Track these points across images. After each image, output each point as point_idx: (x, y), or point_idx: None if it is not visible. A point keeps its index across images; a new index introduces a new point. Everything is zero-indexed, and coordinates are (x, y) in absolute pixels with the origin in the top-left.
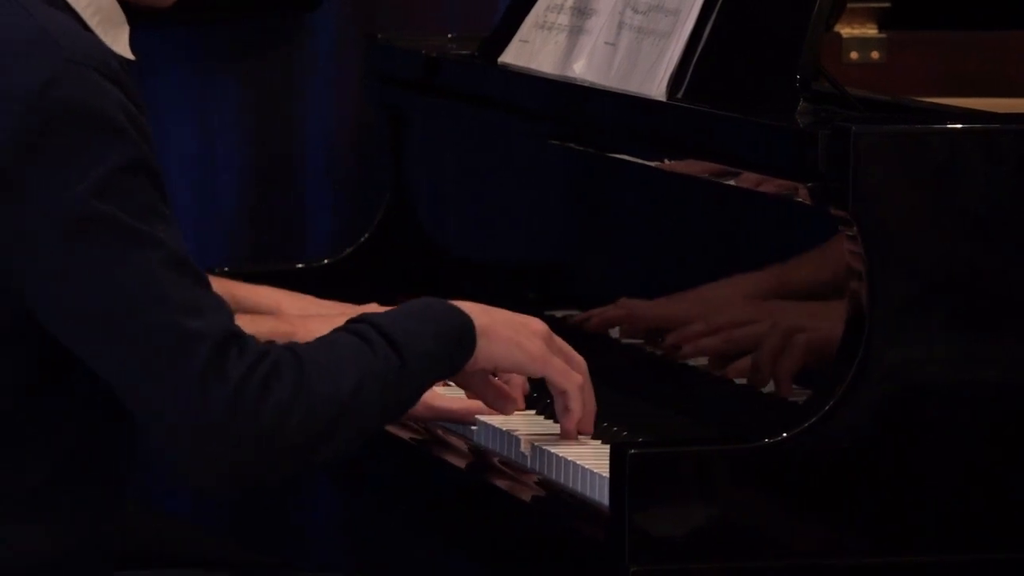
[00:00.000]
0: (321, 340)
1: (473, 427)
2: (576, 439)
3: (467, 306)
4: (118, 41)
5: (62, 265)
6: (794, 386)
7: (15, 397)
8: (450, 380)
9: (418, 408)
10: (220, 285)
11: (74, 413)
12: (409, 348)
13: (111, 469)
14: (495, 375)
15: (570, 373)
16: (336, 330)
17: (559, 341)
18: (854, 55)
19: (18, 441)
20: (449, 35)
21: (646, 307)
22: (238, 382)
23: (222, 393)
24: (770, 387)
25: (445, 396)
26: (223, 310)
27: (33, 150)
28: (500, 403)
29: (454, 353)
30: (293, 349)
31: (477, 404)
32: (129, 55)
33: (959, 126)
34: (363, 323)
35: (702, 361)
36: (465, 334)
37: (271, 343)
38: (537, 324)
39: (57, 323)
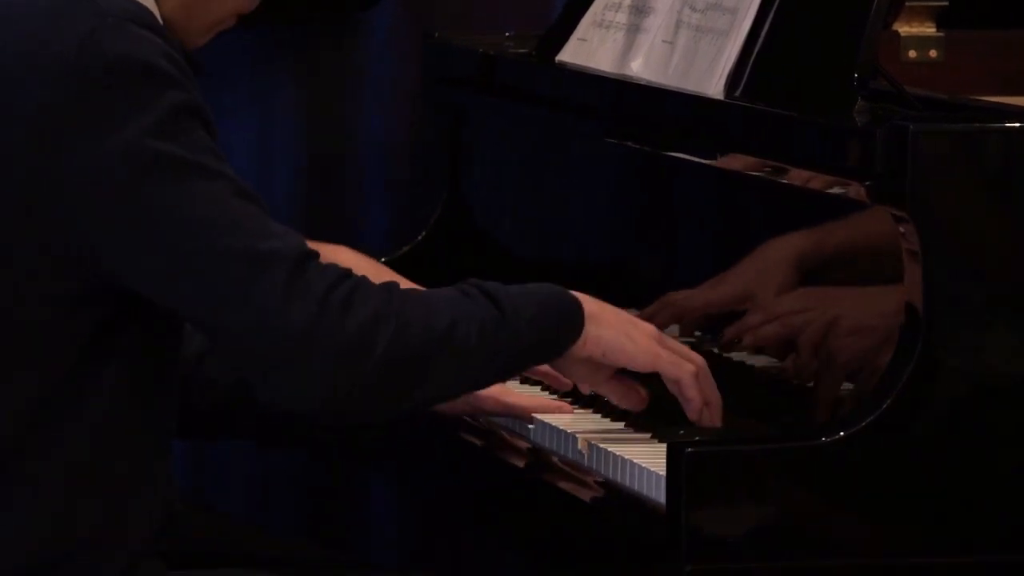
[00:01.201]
0: (416, 288)
1: (530, 425)
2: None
3: (580, 295)
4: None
5: (131, 207)
6: (850, 385)
7: (57, 371)
8: (561, 368)
9: (487, 402)
10: None
11: (118, 386)
12: (510, 308)
13: (154, 441)
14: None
15: (681, 362)
16: None
17: (671, 341)
18: (912, 54)
19: (62, 415)
20: (506, 34)
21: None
22: (320, 296)
23: (305, 305)
24: (825, 386)
25: (513, 392)
26: (294, 234)
27: (82, 106)
28: (628, 398)
29: (559, 328)
30: (387, 284)
31: (542, 401)
32: None
33: (1017, 125)
34: (466, 283)
35: (758, 359)
36: (572, 312)
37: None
38: (648, 326)
39: (133, 269)
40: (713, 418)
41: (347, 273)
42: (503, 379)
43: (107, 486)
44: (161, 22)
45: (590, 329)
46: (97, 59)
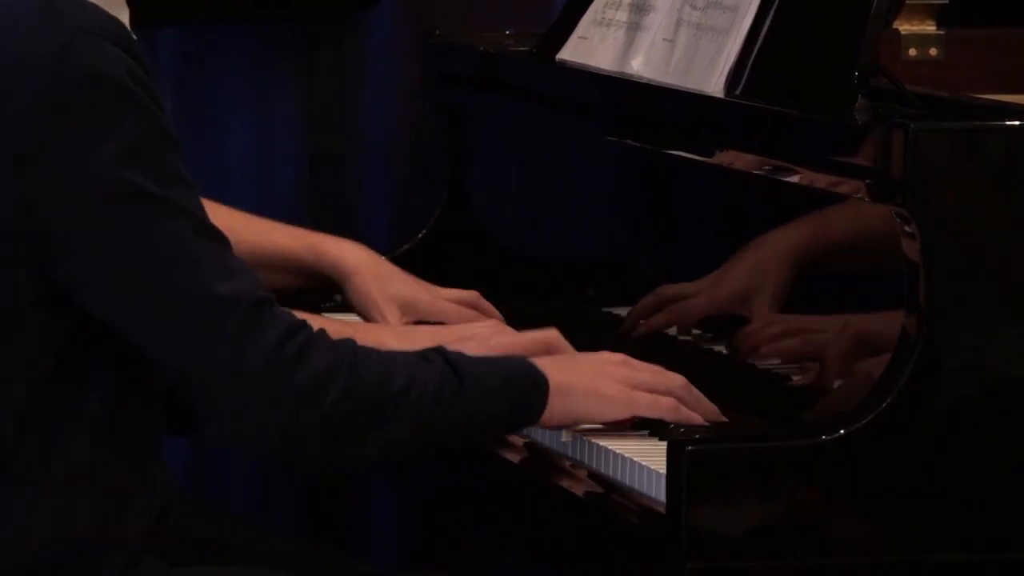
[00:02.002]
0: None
1: None
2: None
3: (546, 364)
4: (120, 17)
5: (91, 234)
6: (850, 382)
7: (44, 374)
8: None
9: None
10: None
11: (103, 388)
12: (471, 378)
13: (150, 438)
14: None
15: (657, 400)
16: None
17: (640, 370)
18: (913, 52)
19: (52, 416)
20: (506, 32)
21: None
22: (274, 343)
23: (258, 351)
24: (826, 383)
25: None
26: (251, 275)
27: (51, 122)
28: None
29: (521, 401)
30: (344, 340)
31: None
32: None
33: (1017, 123)
34: (429, 350)
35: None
36: (536, 390)
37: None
38: (613, 363)
39: (90, 293)
40: (714, 416)
41: (302, 324)
42: (473, 446)
43: (106, 485)
44: (128, 26)
45: (555, 403)
46: (69, 77)
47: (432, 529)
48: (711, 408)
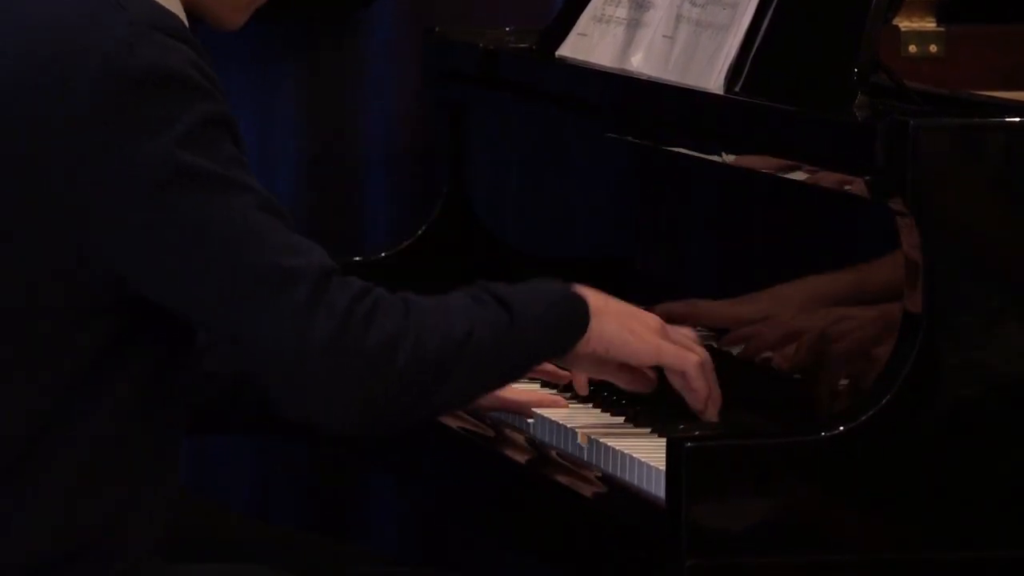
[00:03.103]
0: (429, 296)
1: (530, 420)
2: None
3: (582, 289)
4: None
5: (157, 219)
6: (847, 380)
7: (72, 373)
8: (565, 363)
9: (485, 399)
10: None
11: (130, 392)
12: (519, 310)
13: (163, 446)
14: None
15: (685, 354)
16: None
17: (675, 332)
18: (912, 49)
19: (74, 419)
20: (507, 28)
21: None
22: (343, 312)
23: (328, 323)
24: (826, 380)
25: (510, 387)
26: (318, 249)
27: (110, 115)
28: (636, 382)
29: (566, 325)
30: (401, 295)
31: (540, 396)
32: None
33: (1017, 120)
34: (475, 287)
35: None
36: (578, 310)
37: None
38: (651, 317)
39: (157, 281)
40: (711, 412)
41: (368, 288)
42: (515, 380)
43: (115, 489)
44: (187, 23)
45: (594, 325)
46: (127, 70)
47: (432, 525)
48: (719, 393)
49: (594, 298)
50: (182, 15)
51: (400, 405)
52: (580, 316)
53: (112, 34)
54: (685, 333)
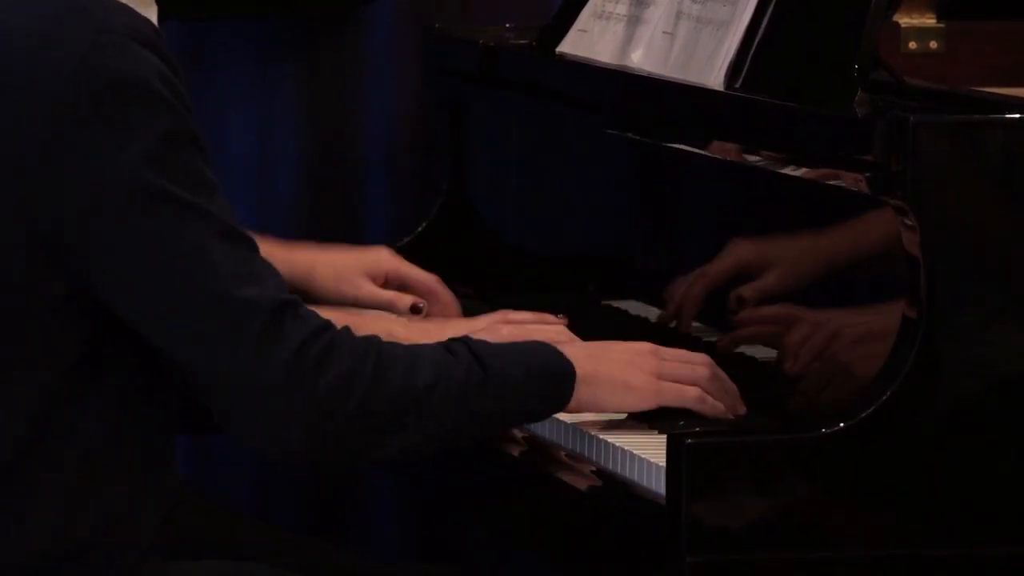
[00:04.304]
0: (403, 343)
1: None
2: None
3: (575, 352)
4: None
5: (113, 236)
6: (850, 375)
7: (65, 373)
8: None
9: None
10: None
11: (125, 386)
12: (496, 371)
13: (160, 440)
14: None
15: (684, 391)
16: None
17: (670, 357)
18: (912, 45)
19: (67, 415)
20: (507, 26)
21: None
22: (296, 348)
23: (279, 356)
24: (826, 376)
25: None
26: (275, 278)
27: (75, 123)
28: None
29: (543, 397)
30: (369, 338)
31: None
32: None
33: (1017, 116)
34: (456, 340)
35: (759, 351)
36: (561, 382)
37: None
38: (643, 353)
39: (112, 294)
40: (736, 407)
41: (325, 326)
42: (481, 437)
43: (113, 486)
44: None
45: (583, 393)
46: (94, 78)
47: (432, 522)
48: (733, 391)
49: (584, 363)
50: (153, 16)
51: (349, 446)
52: (562, 389)
53: (76, 39)
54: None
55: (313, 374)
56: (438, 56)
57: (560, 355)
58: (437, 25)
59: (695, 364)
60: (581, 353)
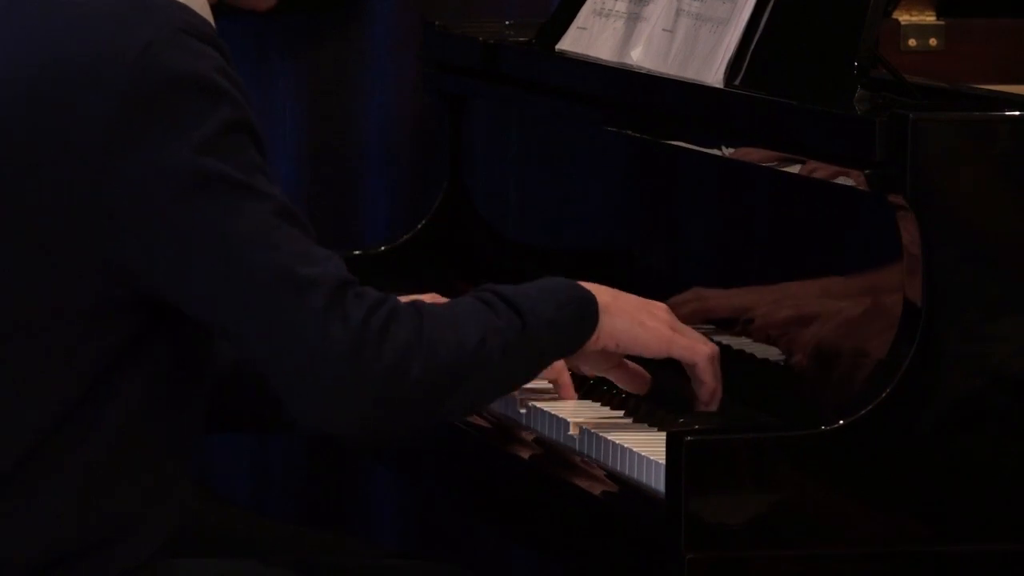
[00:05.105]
0: (441, 303)
1: (522, 411)
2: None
3: (590, 285)
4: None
5: (177, 221)
6: (850, 372)
7: (89, 374)
8: (574, 360)
9: None
10: None
11: (147, 393)
12: (531, 313)
13: (178, 447)
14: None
15: (695, 346)
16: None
17: (683, 326)
18: (912, 42)
19: (88, 419)
20: (506, 22)
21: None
22: (359, 322)
23: (343, 332)
24: (826, 374)
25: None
26: (335, 258)
27: (136, 117)
28: (633, 383)
29: (576, 325)
30: (413, 303)
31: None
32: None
33: (1017, 113)
34: (484, 290)
35: (759, 348)
36: (587, 308)
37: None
38: (660, 307)
39: (173, 284)
40: (713, 405)
41: (383, 298)
42: (526, 383)
43: (127, 489)
44: (214, 24)
45: (604, 322)
46: (155, 72)
47: (433, 518)
48: (720, 389)
49: (602, 294)
50: (210, 17)
51: (412, 414)
52: (590, 315)
53: (141, 35)
54: (691, 332)
55: (377, 348)
56: (438, 52)
57: (581, 287)
58: (437, 21)
59: (703, 339)
60: (597, 287)
